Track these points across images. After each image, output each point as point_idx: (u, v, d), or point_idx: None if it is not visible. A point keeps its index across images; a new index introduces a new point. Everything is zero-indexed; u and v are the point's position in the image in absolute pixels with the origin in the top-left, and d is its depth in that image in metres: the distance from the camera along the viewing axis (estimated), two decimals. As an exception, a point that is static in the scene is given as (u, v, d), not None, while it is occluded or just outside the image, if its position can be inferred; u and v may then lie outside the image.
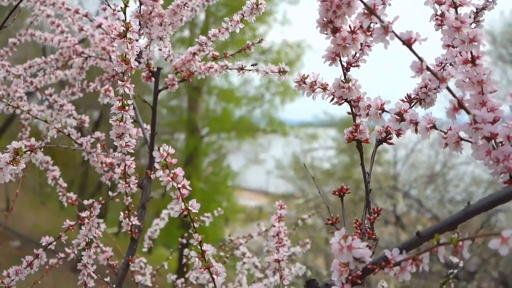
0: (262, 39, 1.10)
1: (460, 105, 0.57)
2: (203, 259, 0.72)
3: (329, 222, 0.67)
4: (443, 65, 0.77)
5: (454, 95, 0.58)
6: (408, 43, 0.56)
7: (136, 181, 1.00)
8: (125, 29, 0.77)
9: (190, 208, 0.71)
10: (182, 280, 1.43)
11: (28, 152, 0.73)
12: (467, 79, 0.61)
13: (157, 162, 0.69)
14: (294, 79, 0.74)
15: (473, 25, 0.80)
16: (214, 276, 0.72)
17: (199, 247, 0.72)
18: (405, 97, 0.77)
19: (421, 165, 7.78)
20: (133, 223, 1.06)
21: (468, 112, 0.57)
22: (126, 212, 1.05)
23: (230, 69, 1.07)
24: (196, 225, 1.42)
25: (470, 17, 0.81)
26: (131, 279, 1.40)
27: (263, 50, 11.31)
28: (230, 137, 12.01)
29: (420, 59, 0.56)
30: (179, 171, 0.70)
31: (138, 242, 1.11)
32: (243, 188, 13.31)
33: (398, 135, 0.75)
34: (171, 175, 0.69)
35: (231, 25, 1.00)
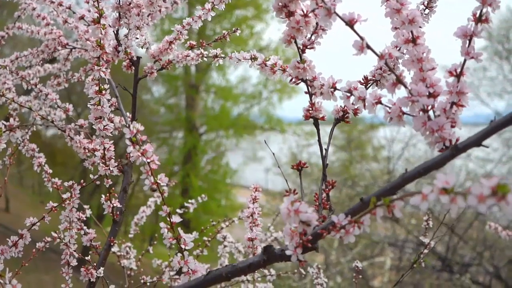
0: (237, 29, 1.15)
1: (398, 80, 0.62)
2: (172, 230, 0.77)
3: (287, 194, 0.72)
4: (398, 48, 0.82)
5: (393, 72, 0.63)
6: (350, 23, 0.61)
7: (116, 164, 1.05)
8: (98, 15, 0.82)
9: (159, 181, 0.76)
10: (166, 263, 1.49)
11: (7, 132, 0.78)
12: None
13: (128, 138, 0.73)
14: (257, 62, 0.78)
15: (427, 10, 0.85)
16: (182, 246, 0.77)
17: (168, 219, 0.77)
18: (362, 78, 0.82)
19: (417, 160, 7.83)
20: (115, 205, 1.11)
21: (405, 87, 0.62)
22: (108, 194, 1.10)
23: (206, 57, 1.12)
24: (182, 214, 1.45)
25: (423, 3, 0.86)
26: (117, 263, 1.45)
27: (261, 47, 11.36)
28: (228, 135, 12.07)
29: (361, 38, 0.61)
30: (149, 147, 0.75)
31: (120, 224, 1.16)
32: (242, 185, 13.33)
33: (355, 114, 0.80)
34: (141, 150, 0.74)
35: (203, 13, 1.05)
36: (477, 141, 0.57)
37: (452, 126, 0.62)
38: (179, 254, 0.77)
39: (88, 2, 1.18)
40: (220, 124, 11.61)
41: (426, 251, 1.25)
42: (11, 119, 0.82)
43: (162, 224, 0.77)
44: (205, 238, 1.48)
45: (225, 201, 11.63)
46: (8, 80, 1.42)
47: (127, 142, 0.74)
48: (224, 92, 11.83)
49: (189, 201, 1.56)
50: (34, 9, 1.33)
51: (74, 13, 1.28)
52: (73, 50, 1.37)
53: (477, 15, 0.62)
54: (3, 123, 0.77)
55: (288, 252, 0.65)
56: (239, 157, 12.55)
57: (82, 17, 1.20)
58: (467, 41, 0.63)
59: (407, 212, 7.22)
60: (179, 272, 0.79)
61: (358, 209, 0.63)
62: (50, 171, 1.24)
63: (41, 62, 1.40)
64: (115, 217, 1.14)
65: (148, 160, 0.74)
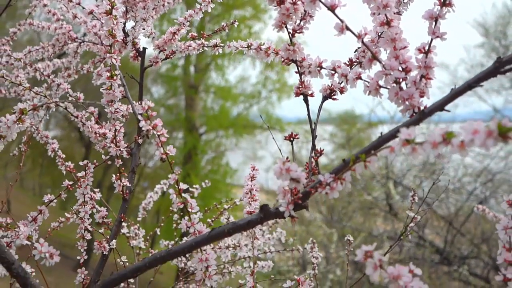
0: (235, 21, 1.25)
1: (374, 57, 0.72)
2: (180, 196, 0.87)
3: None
4: (378, 33, 0.92)
5: (369, 49, 0.72)
6: (331, 8, 0.71)
7: (126, 145, 1.15)
8: (111, 7, 0.92)
9: (168, 152, 0.85)
10: (173, 242, 1.58)
11: (31, 111, 0.88)
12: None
13: (139, 114, 0.83)
14: (253, 47, 0.88)
15: (405, -1, 0.94)
16: (189, 209, 0.87)
17: (176, 186, 0.87)
18: (347, 60, 0.91)
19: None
20: (124, 184, 1.21)
21: (380, 62, 0.72)
22: (118, 174, 1.20)
23: (207, 46, 1.22)
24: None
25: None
26: (127, 243, 1.55)
27: (259, 47, 11.44)
28: (228, 135, 12.16)
29: (341, 20, 0.71)
30: (159, 122, 0.85)
31: (129, 202, 1.26)
32: (242, 185, 13.34)
33: (341, 92, 0.90)
34: (152, 124, 0.84)
35: (204, 5, 1.15)
36: (440, 106, 0.67)
37: (421, 96, 0.72)
38: (186, 217, 0.87)
39: (96, -2, 1.28)
40: (219, 124, 11.70)
41: (412, 224, 1.34)
42: (35, 99, 0.91)
43: (171, 190, 0.87)
44: (209, 220, 1.58)
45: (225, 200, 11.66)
46: (20, 74, 1.52)
47: (139, 117, 0.84)
48: (223, 92, 11.93)
49: (194, 186, 1.65)
50: (45, 5, 1.43)
51: (83, 8, 1.38)
52: (82, 43, 1.47)
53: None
54: (27, 104, 0.87)
55: (281, 209, 0.75)
56: (239, 156, 12.64)
57: (91, 12, 1.30)
58: (433, 22, 0.72)
59: (406, 206, 7.32)
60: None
61: (341, 169, 0.73)
62: (63, 155, 1.34)
63: (52, 55, 1.50)
64: (124, 195, 1.23)
65: (158, 133, 0.84)
